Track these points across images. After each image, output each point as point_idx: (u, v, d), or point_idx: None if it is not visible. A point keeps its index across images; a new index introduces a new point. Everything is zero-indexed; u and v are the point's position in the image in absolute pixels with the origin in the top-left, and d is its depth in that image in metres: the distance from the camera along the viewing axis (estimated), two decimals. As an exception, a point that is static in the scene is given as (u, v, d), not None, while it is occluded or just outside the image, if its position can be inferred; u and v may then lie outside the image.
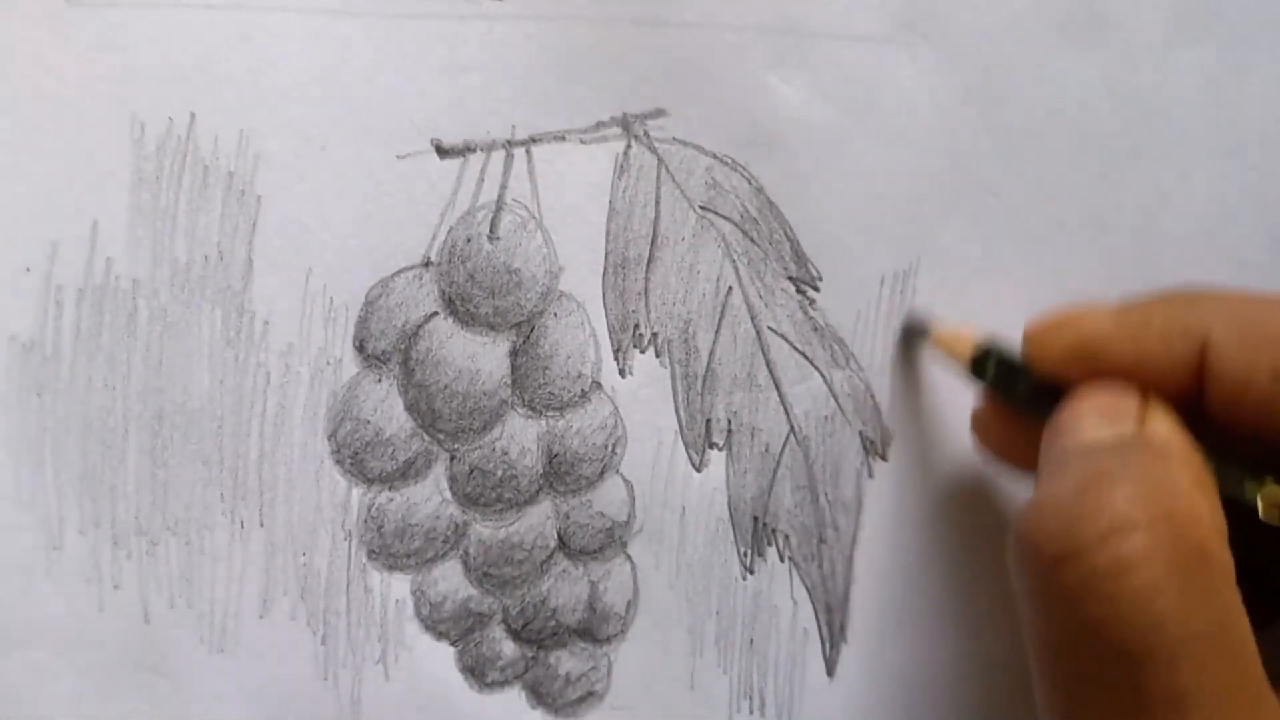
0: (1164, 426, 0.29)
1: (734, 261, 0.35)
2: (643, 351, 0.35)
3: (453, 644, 0.35)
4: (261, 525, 0.33)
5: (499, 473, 0.34)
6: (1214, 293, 0.31)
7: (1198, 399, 0.30)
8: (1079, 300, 0.33)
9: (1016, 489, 0.38)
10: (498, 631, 0.35)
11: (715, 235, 0.35)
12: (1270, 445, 0.29)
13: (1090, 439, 0.29)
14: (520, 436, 0.34)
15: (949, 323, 0.36)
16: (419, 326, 0.33)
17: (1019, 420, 0.33)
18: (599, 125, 0.34)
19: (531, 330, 0.34)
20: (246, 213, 0.32)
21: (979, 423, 0.35)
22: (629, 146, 0.34)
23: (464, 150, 0.33)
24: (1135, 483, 0.27)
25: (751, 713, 0.37)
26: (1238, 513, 0.29)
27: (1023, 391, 0.33)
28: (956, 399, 0.36)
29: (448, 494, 0.34)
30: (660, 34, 0.34)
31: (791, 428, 0.36)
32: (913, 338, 0.37)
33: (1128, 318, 0.31)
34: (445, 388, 0.33)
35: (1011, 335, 0.34)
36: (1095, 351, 0.31)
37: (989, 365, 0.34)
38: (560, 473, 0.35)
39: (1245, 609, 0.26)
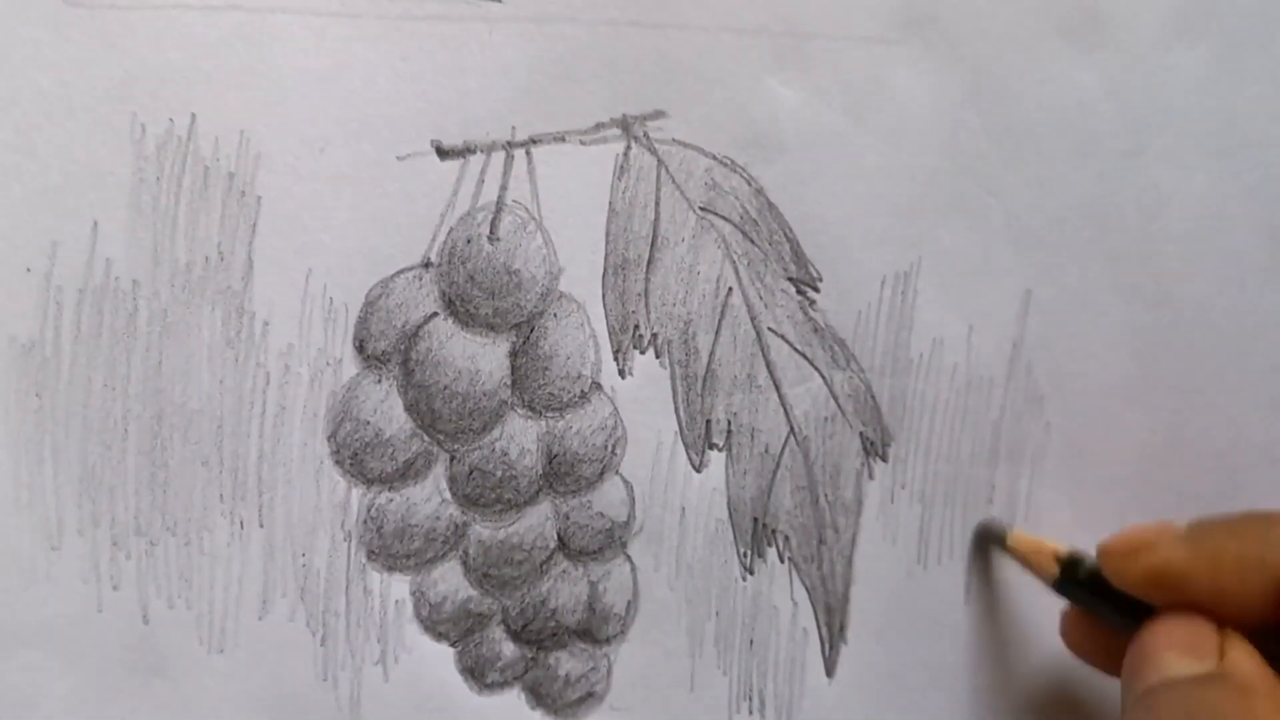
0: (1244, 660, 0.30)
1: (734, 262, 0.35)
2: (642, 352, 0.35)
3: (452, 645, 0.35)
4: (261, 526, 0.33)
5: (499, 473, 0.34)
6: None
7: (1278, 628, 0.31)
8: (1148, 521, 0.33)
9: (1015, 489, 0.38)
10: (497, 632, 0.35)
11: (715, 236, 0.35)
12: None
13: (1174, 675, 0.30)
14: (520, 437, 0.34)
15: (1025, 535, 0.37)
16: (419, 327, 0.33)
17: (1104, 627, 0.34)
18: (599, 126, 0.34)
19: (531, 331, 0.34)
20: (247, 214, 0.32)
21: (1068, 630, 0.36)
22: (629, 148, 0.34)
23: (464, 151, 0.33)
24: None
25: (751, 713, 0.37)
26: None
27: (1108, 606, 0.34)
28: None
29: (447, 494, 0.34)
30: (660, 36, 0.34)
31: (791, 428, 0.36)
32: (988, 541, 0.38)
33: (1202, 548, 0.31)
34: (445, 388, 0.33)
35: (1010, 338, 0.34)
36: (1172, 581, 0.31)
37: (1079, 575, 0.35)
38: (560, 473, 0.35)
39: None
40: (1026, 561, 0.36)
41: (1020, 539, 0.37)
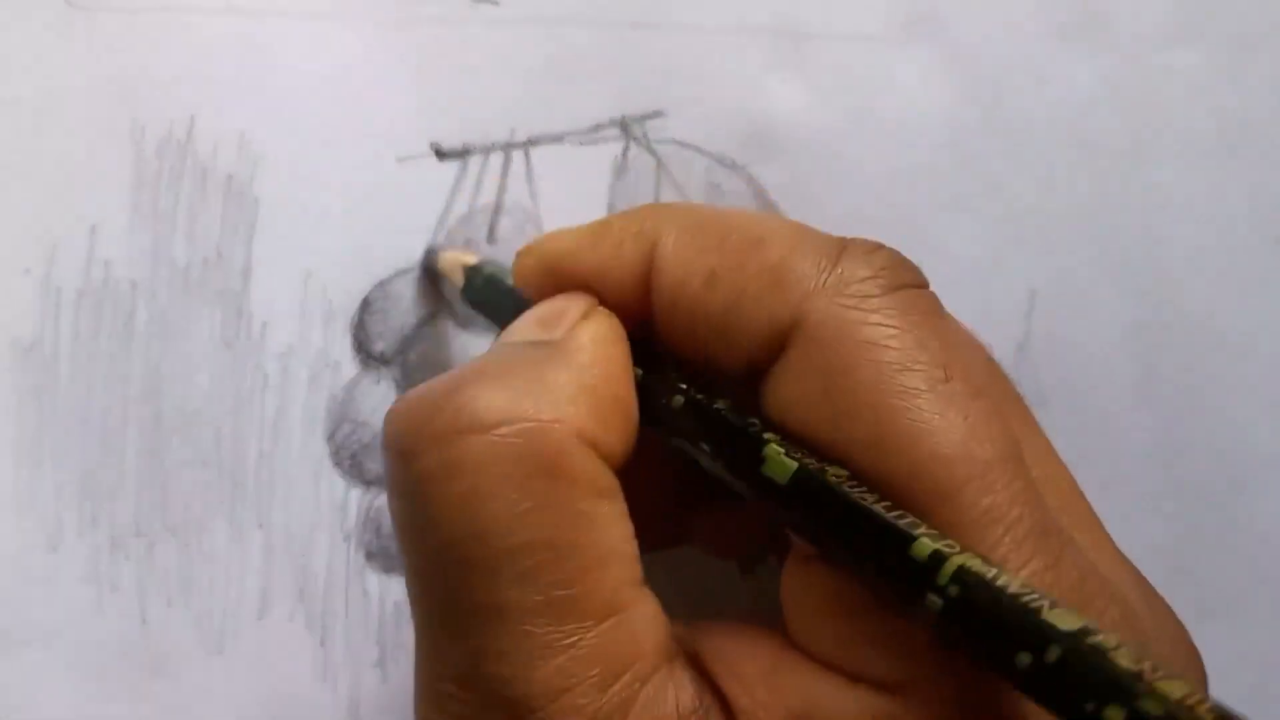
0: (592, 332, 0.26)
1: (733, 263, 0.35)
2: (642, 353, 0.35)
3: (451, 646, 0.35)
4: (260, 527, 0.33)
5: (498, 475, 0.34)
6: (675, 203, 0.31)
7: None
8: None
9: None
10: (496, 634, 0.35)
11: (714, 237, 0.35)
12: (706, 360, 0.26)
13: (514, 340, 0.27)
14: (519, 438, 0.34)
15: (448, 253, 0.33)
16: (417, 329, 0.33)
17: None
18: (597, 127, 0.34)
19: (530, 332, 0.34)
20: (245, 215, 0.32)
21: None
22: (627, 148, 0.34)
23: (463, 153, 0.33)
24: (504, 386, 0.24)
25: (750, 715, 0.37)
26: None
27: (507, 311, 0.29)
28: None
29: (446, 496, 0.34)
30: (658, 36, 0.34)
31: (791, 430, 0.36)
32: (431, 275, 0.34)
33: (593, 228, 0.28)
34: (444, 390, 0.33)
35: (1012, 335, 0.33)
36: (561, 264, 0.28)
37: (478, 282, 0.31)
38: (559, 474, 0.35)
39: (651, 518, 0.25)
40: (449, 278, 0.32)
41: (444, 258, 0.33)
